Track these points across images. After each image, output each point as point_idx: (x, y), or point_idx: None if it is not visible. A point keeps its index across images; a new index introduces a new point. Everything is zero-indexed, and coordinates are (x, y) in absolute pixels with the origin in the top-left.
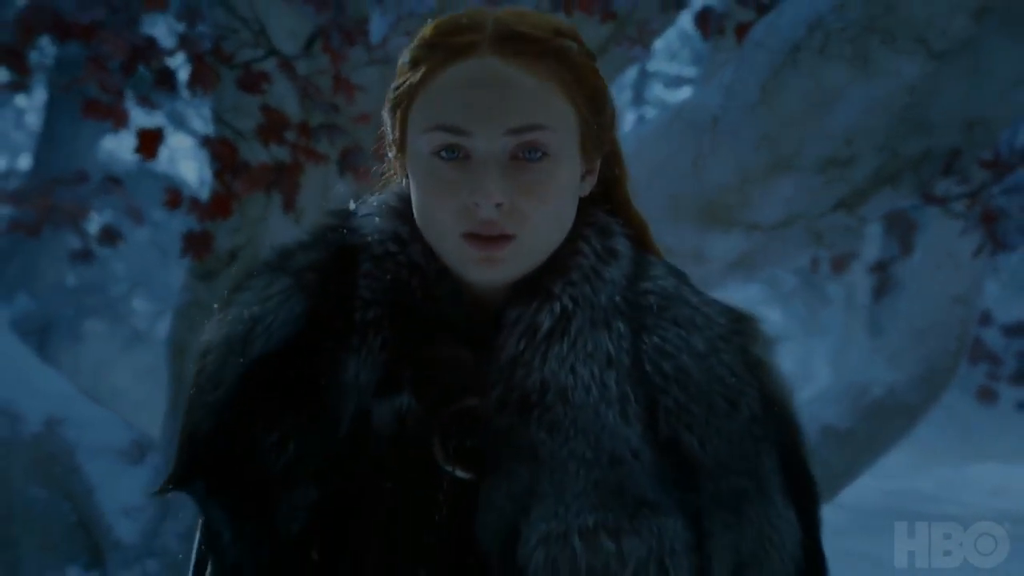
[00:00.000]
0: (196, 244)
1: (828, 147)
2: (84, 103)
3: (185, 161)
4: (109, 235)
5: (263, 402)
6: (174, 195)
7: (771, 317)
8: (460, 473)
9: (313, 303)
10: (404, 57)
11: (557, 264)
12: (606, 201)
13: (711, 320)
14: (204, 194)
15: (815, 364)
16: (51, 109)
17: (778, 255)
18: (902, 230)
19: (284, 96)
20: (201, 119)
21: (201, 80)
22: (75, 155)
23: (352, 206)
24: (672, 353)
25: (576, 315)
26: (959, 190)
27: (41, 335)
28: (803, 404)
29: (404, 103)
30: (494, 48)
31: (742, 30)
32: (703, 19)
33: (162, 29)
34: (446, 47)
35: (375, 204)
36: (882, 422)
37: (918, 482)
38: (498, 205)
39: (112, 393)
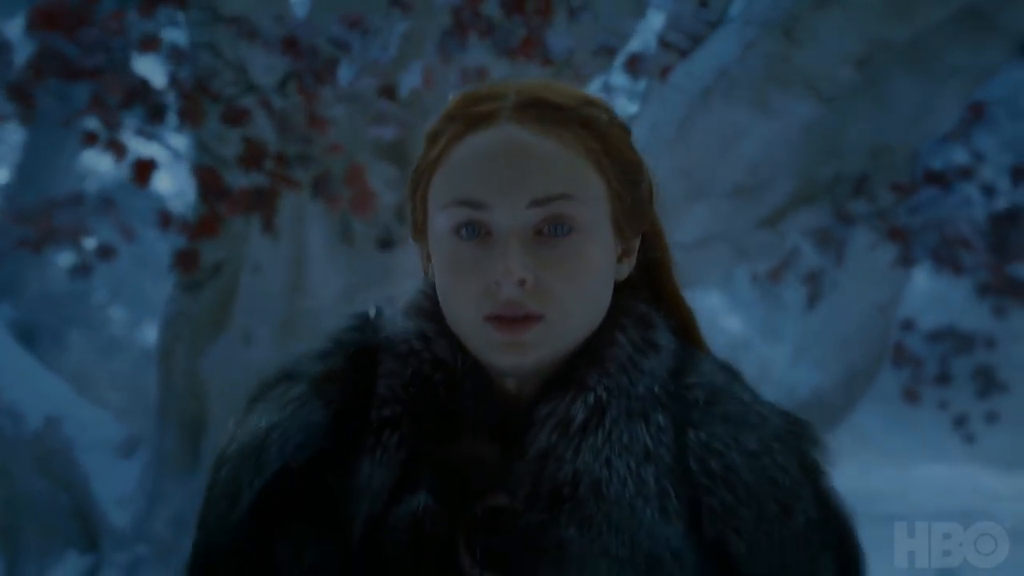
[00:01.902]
0: (184, 260)
1: (735, 177)
2: (84, 135)
3: (163, 178)
4: (105, 252)
5: (280, 518)
6: (165, 217)
7: (731, 325)
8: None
9: (330, 410)
10: (426, 136)
11: (592, 355)
12: (647, 288)
13: (764, 419)
14: (179, 207)
15: (773, 370)
16: (34, 130)
17: (701, 270)
18: (835, 244)
19: (263, 128)
20: (178, 141)
21: (190, 115)
22: (57, 171)
23: (373, 311)
24: (720, 450)
25: (611, 406)
26: (868, 209)
27: (26, 343)
28: None
29: (423, 181)
30: (515, 116)
31: (664, 73)
32: (632, 63)
33: (147, 64)
34: (465, 117)
35: (400, 305)
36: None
37: (868, 482)
38: (521, 283)
39: (92, 398)
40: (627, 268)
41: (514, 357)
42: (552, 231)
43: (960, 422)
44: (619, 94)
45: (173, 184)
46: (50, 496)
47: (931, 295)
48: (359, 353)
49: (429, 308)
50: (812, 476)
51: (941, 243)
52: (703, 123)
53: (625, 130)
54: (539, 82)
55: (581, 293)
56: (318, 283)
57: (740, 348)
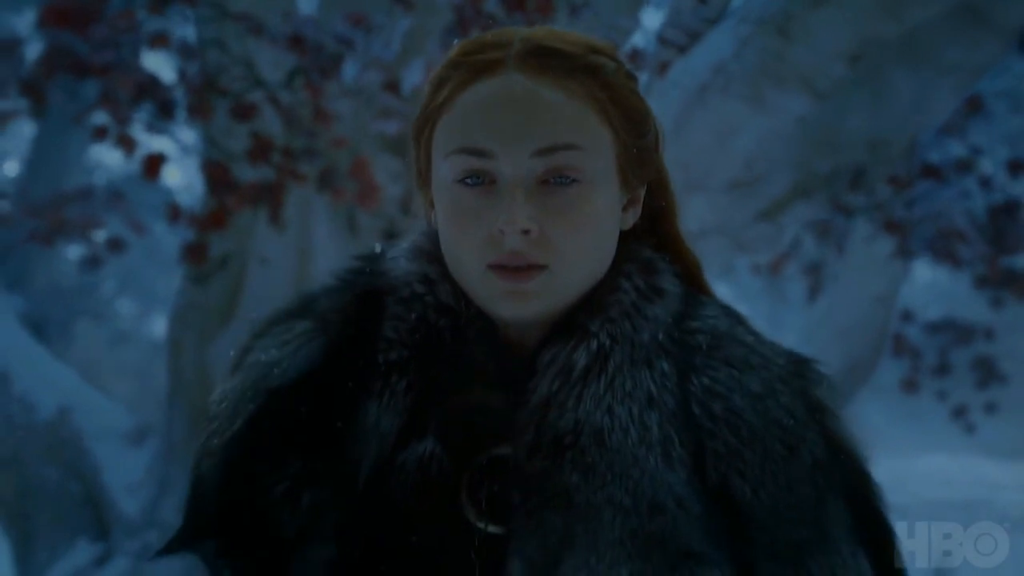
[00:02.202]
0: (193, 252)
1: (732, 171)
2: (95, 130)
3: (171, 171)
4: (115, 244)
5: (271, 444)
6: (175, 210)
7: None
8: (492, 528)
9: (333, 345)
10: (429, 81)
11: (595, 302)
12: (653, 236)
13: (768, 360)
14: (187, 200)
15: None
16: (43, 123)
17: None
18: (835, 236)
19: (270, 123)
20: (187, 135)
21: (198, 110)
22: (67, 163)
23: (379, 249)
24: (723, 394)
25: (614, 352)
26: (865, 202)
27: (35, 335)
28: None
29: (427, 128)
30: (521, 64)
31: (663, 69)
32: (631, 59)
33: (156, 60)
34: (469, 65)
35: (404, 247)
36: None
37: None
38: (525, 233)
39: (100, 389)
40: (632, 217)
41: (517, 306)
42: (557, 181)
43: (959, 412)
44: None
45: (182, 178)
46: (61, 484)
47: (931, 287)
48: (364, 293)
49: (432, 251)
50: (818, 416)
51: (937, 236)
52: (700, 118)
53: (632, 77)
54: (545, 29)
55: (585, 243)
56: (324, 274)
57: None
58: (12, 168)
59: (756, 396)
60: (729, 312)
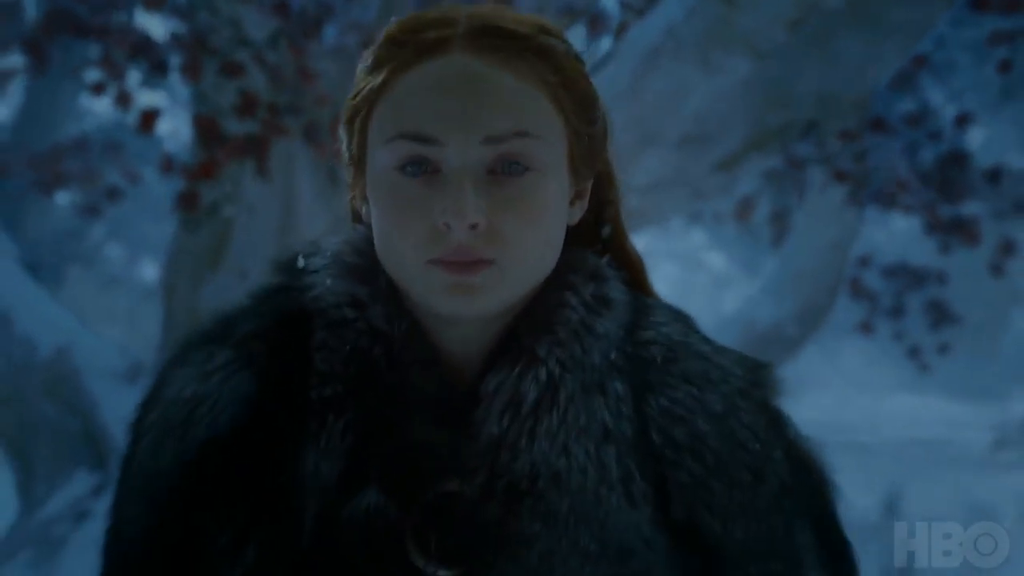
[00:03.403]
0: (185, 201)
1: (683, 127)
2: (93, 87)
3: (162, 123)
4: (112, 193)
5: (211, 495)
6: (167, 161)
7: (714, 262)
8: (443, 572)
9: (262, 380)
10: (364, 60)
11: (540, 317)
12: (596, 234)
13: (727, 373)
14: (173, 147)
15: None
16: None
17: (658, 211)
18: (796, 184)
19: (256, 81)
20: (176, 90)
21: (190, 69)
22: (59, 110)
23: (301, 261)
24: (684, 417)
25: (565, 381)
26: (816, 154)
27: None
28: None
29: (363, 112)
30: (468, 45)
31: (620, 31)
32: (593, 22)
33: (149, 20)
34: (412, 45)
35: (328, 258)
36: (765, 352)
37: (843, 414)
38: (473, 227)
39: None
40: (579, 211)
41: (461, 301)
42: (507, 170)
43: (914, 353)
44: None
45: (172, 129)
46: (60, 419)
47: (888, 233)
48: (288, 316)
49: (359, 265)
50: (780, 432)
51: (885, 185)
52: (653, 79)
53: (580, 61)
54: (491, 8)
55: (535, 238)
56: (307, 222)
57: (723, 284)
58: (4, 115)
59: (718, 417)
60: (678, 316)
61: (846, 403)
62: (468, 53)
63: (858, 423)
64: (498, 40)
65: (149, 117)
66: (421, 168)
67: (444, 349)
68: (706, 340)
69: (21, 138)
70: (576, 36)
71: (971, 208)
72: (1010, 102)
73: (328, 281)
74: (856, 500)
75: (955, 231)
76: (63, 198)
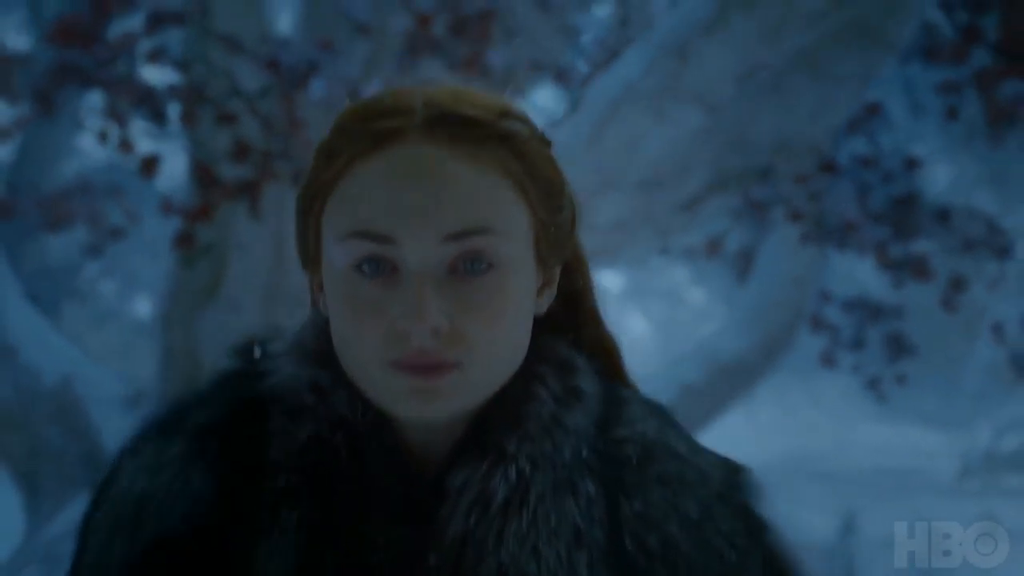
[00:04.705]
0: (183, 241)
1: (640, 173)
2: (98, 135)
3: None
4: (116, 233)
5: None
6: (167, 204)
7: (695, 297)
8: None
9: (214, 474)
10: (317, 148)
11: (508, 411)
12: (568, 321)
13: (704, 475)
14: (166, 186)
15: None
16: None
17: (623, 249)
18: (758, 225)
19: (249, 129)
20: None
21: (188, 118)
22: (53, 153)
23: (257, 350)
24: (657, 522)
25: (535, 480)
26: (773, 196)
27: None
28: (666, 364)
29: (316, 205)
30: (425, 133)
31: (585, 83)
32: (561, 76)
33: (150, 72)
34: (365, 134)
35: (287, 344)
36: (729, 382)
37: (810, 443)
38: (434, 330)
39: None
40: (547, 300)
41: (424, 406)
42: (469, 268)
43: (873, 384)
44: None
45: (168, 171)
46: (65, 444)
47: (848, 270)
48: (244, 404)
49: (321, 350)
50: (759, 539)
51: (836, 225)
52: (612, 128)
53: (545, 143)
54: (449, 90)
55: (501, 338)
56: (296, 259)
57: (702, 318)
58: (3, 155)
59: (694, 524)
60: (654, 410)
61: (813, 432)
62: (425, 143)
63: (825, 452)
64: (457, 128)
65: (151, 163)
66: (378, 267)
67: (408, 441)
68: (683, 437)
69: (20, 178)
70: (544, 89)
71: (922, 246)
72: (958, 147)
73: (288, 367)
74: (819, 525)
75: (907, 268)
76: (59, 237)
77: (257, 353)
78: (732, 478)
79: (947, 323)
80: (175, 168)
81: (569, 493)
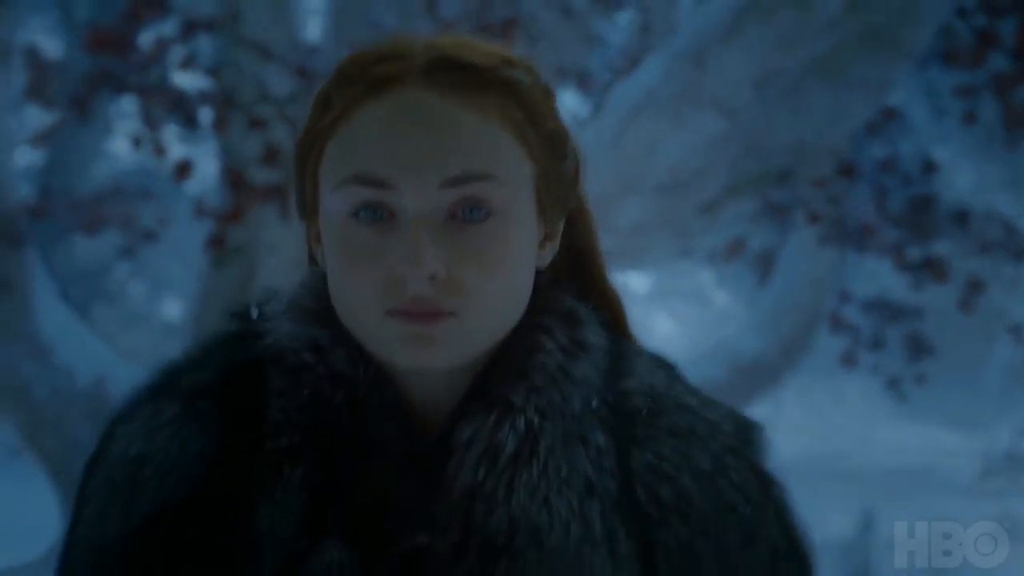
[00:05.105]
0: (215, 243)
1: (659, 177)
2: (133, 140)
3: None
4: (149, 235)
5: (161, 564)
6: (200, 207)
7: (719, 299)
8: None
9: (212, 436)
10: (315, 95)
11: (513, 363)
12: (572, 274)
13: (715, 428)
14: (198, 190)
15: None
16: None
17: (640, 252)
18: (780, 227)
19: (279, 133)
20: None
21: (220, 124)
22: (85, 157)
23: (255, 309)
24: (670, 474)
25: (544, 431)
26: (792, 199)
27: None
28: (688, 363)
29: (313, 152)
30: (424, 79)
31: (608, 89)
32: (584, 82)
33: (182, 78)
34: (363, 80)
35: (284, 304)
36: (749, 382)
37: (831, 442)
38: (431, 277)
39: None
40: (550, 253)
41: (420, 353)
42: (467, 215)
43: (893, 384)
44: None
45: (198, 175)
46: None
47: (868, 270)
48: (240, 365)
49: (318, 308)
50: (771, 494)
51: (855, 227)
52: (632, 134)
53: (549, 93)
54: (451, 38)
55: (499, 287)
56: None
57: (726, 319)
58: (35, 159)
59: (706, 475)
60: (661, 363)
61: (834, 431)
62: (424, 89)
63: (846, 451)
64: (457, 74)
65: (184, 167)
66: (376, 214)
67: (411, 396)
68: (692, 391)
69: (52, 181)
70: (567, 95)
71: (940, 248)
72: (979, 150)
73: (286, 326)
74: (837, 523)
75: (925, 269)
76: (88, 240)
77: (254, 315)
78: (743, 433)
79: (966, 324)
80: (205, 171)
81: (579, 444)
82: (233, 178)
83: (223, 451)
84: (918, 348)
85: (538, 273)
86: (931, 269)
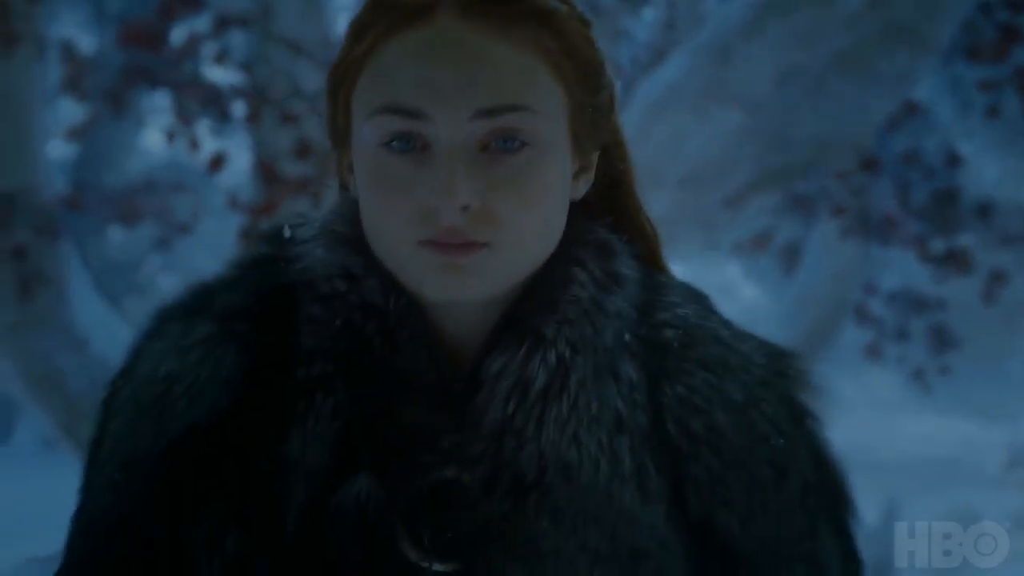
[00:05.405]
0: (248, 235)
1: (683, 171)
2: (167, 134)
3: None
4: (184, 228)
5: (189, 484)
6: (233, 200)
7: (747, 293)
8: (438, 566)
9: (244, 358)
10: (349, 25)
11: (545, 295)
12: (607, 207)
13: (747, 360)
14: (230, 184)
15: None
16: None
17: (666, 245)
18: (805, 220)
19: (311, 127)
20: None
21: (253, 118)
22: (116, 151)
23: (287, 231)
24: (701, 407)
25: (575, 364)
26: (815, 192)
27: None
28: None
29: (346, 82)
30: (459, 9)
31: (634, 83)
32: (615, 73)
33: (216, 73)
34: (397, 9)
35: (317, 228)
36: None
37: (857, 433)
38: (464, 208)
39: None
40: (584, 186)
41: (452, 284)
42: (501, 146)
43: (918, 375)
44: None
45: (231, 170)
46: None
47: (894, 262)
48: (273, 288)
49: (351, 236)
50: (804, 426)
51: (879, 220)
52: (658, 127)
53: (585, 23)
54: None
55: (533, 218)
56: None
57: (755, 312)
58: (65, 150)
59: (738, 407)
60: (694, 295)
61: (860, 422)
62: (458, 18)
63: (871, 442)
64: (492, 4)
65: (218, 160)
66: (408, 144)
67: (442, 328)
68: (725, 323)
69: (84, 174)
70: None
71: (963, 240)
72: (1005, 143)
73: (319, 252)
74: (862, 513)
75: (948, 262)
76: (119, 233)
77: (287, 235)
78: (776, 364)
79: (990, 316)
80: (237, 165)
81: (610, 378)
82: (265, 171)
83: (255, 375)
84: (942, 340)
85: (572, 205)
86: (954, 261)
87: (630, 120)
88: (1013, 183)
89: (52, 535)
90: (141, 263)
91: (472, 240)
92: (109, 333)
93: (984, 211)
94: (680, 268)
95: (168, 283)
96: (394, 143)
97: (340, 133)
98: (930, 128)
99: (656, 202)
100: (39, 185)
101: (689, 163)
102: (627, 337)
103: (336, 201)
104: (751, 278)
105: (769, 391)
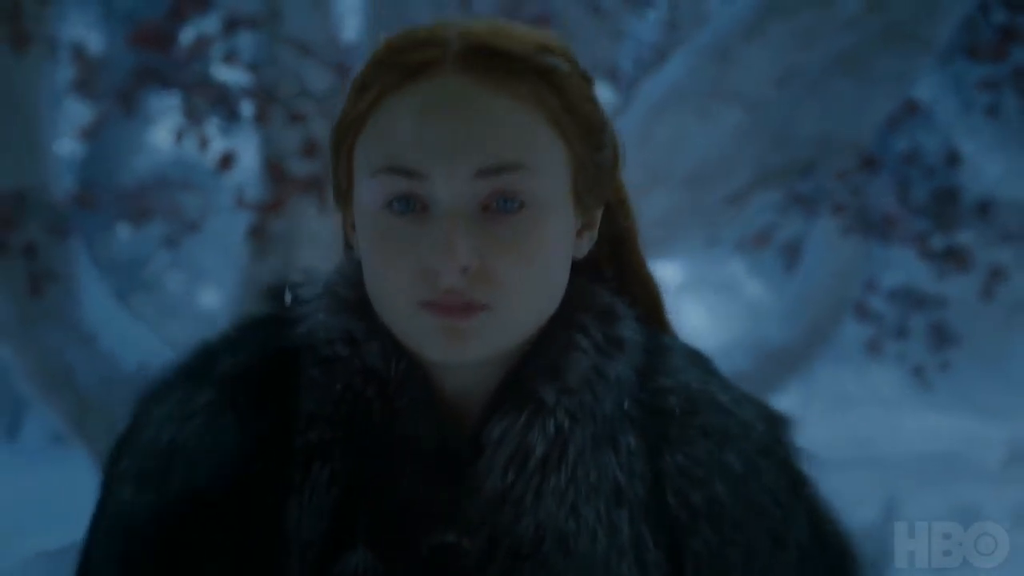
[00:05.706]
0: (256, 233)
1: (685, 169)
2: (176, 133)
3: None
4: (193, 226)
5: (188, 554)
6: (240, 198)
7: (752, 290)
8: None
9: (245, 425)
10: (352, 82)
11: (547, 360)
12: (611, 264)
13: (747, 427)
14: (234, 180)
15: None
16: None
17: (668, 243)
18: (806, 217)
19: (318, 127)
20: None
21: (261, 118)
22: (124, 149)
23: (289, 296)
24: (702, 478)
25: (574, 434)
26: (816, 190)
27: None
28: (718, 352)
29: (348, 139)
30: (460, 66)
31: (635, 83)
32: (613, 77)
33: (225, 73)
34: (399, 66)
35: (320, 289)
36: (775, 370)
37: (857, 429)
38: (464, 269)
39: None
40: (587, 243)
41: (453, 347)
42: (501, 206)
43: (918, 371)
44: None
45: (239, 168)
46: None
47: (894, 259)
48: (275, 351)
49: (353, 298)
50: (801, 494)
51: (878, 218)
52: (660, 127)
53: (587, 79)
54: (486, 24)
55: (534, 280)
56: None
57: (757, 308)
58: (74, 149)
59: (738, 478)
60: (696, 359)
61: (860, 419)
62: (460, 75)
63: (872, 438)
64: (493, 60)
65: (227, 159)
66: (408, 205)
67: (442, 392)
68: (725, 387)
69: (93, 173)
70: (598, 89)
71: (963, 237)
72: (1006, 142)
73: (320, 315)
74: (862, 510)
75: (948, 259)
76: (126, 230)
77: (288, 298)
78: (774, 431)
79: (991, 313)
80: (245, 163)
81: (609, 447)
82: (273, 170)
83: (256, 442)
84: (942, 337)
85: (575, 262)
86: (954, 259)
87: (633, 119)
88: (1013, 181)
89: (61, 530)
90: (149, 260)
91: (472, 301)
92: (118, 329)
93: (984, 209)
94: (684, 265)
95: (176, 280)
96: (395, 204)
97: (343, 191)
98: (930, 127)
99: (659, 200)
100: (49, 183)
101: (691, 162)
102: (627, 404)
103: (340, 261)
104: (754, 274)
105: (768, 460)
